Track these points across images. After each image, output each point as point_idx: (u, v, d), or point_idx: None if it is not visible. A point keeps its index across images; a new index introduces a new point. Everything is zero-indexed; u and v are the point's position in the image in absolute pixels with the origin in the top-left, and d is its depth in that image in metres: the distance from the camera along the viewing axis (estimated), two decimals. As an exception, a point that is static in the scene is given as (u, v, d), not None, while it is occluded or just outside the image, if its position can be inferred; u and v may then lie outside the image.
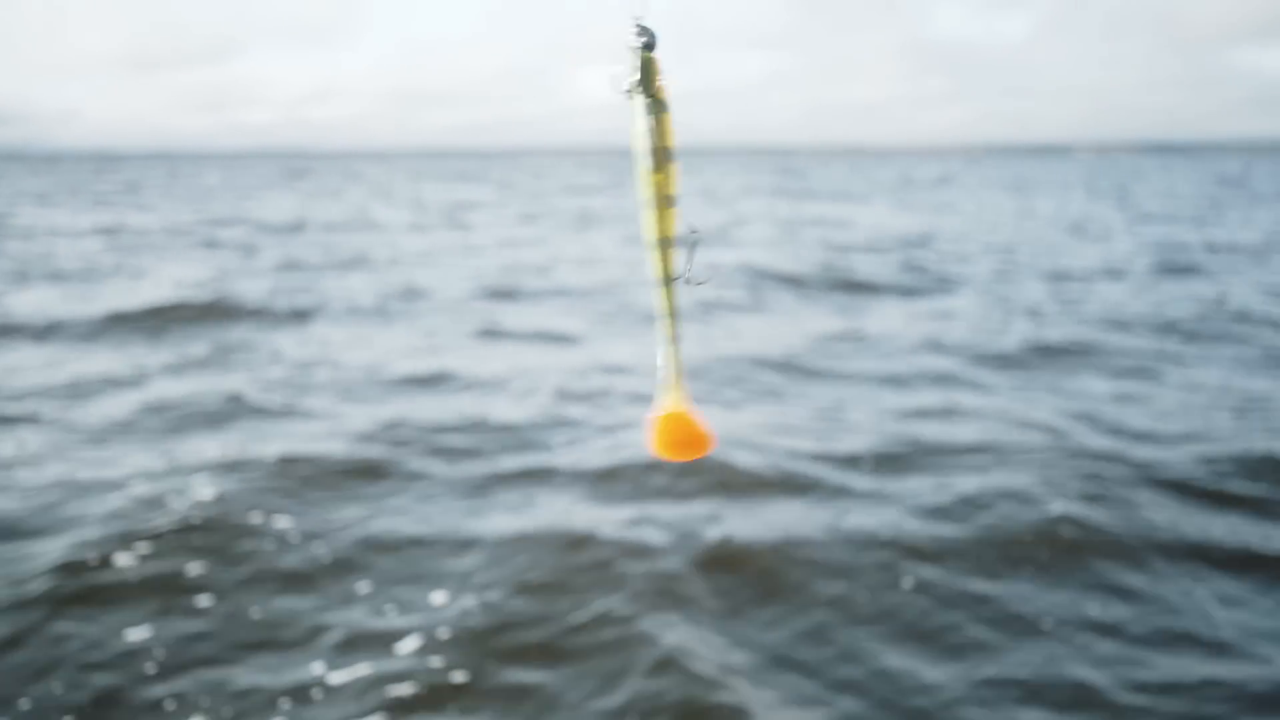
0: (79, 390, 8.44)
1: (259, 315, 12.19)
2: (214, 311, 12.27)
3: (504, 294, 14.30)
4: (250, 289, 14.12)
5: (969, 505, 5.57)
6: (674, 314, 0.82)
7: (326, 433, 7.06)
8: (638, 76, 0.75)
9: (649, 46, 0.76)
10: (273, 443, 6.74)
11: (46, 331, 11.20)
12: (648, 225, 0.79)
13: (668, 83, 0.76)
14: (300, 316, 12.20)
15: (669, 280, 0.81)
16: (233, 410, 7.69)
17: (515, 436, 7.01)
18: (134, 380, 8.83)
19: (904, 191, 47.09)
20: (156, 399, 8.02)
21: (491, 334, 11.31)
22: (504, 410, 7.70)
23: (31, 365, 9.52)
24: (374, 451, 6.60)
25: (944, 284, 15.06)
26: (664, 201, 0.78)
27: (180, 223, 27.96)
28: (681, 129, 0.79)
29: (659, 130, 0.76)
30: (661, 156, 0.76)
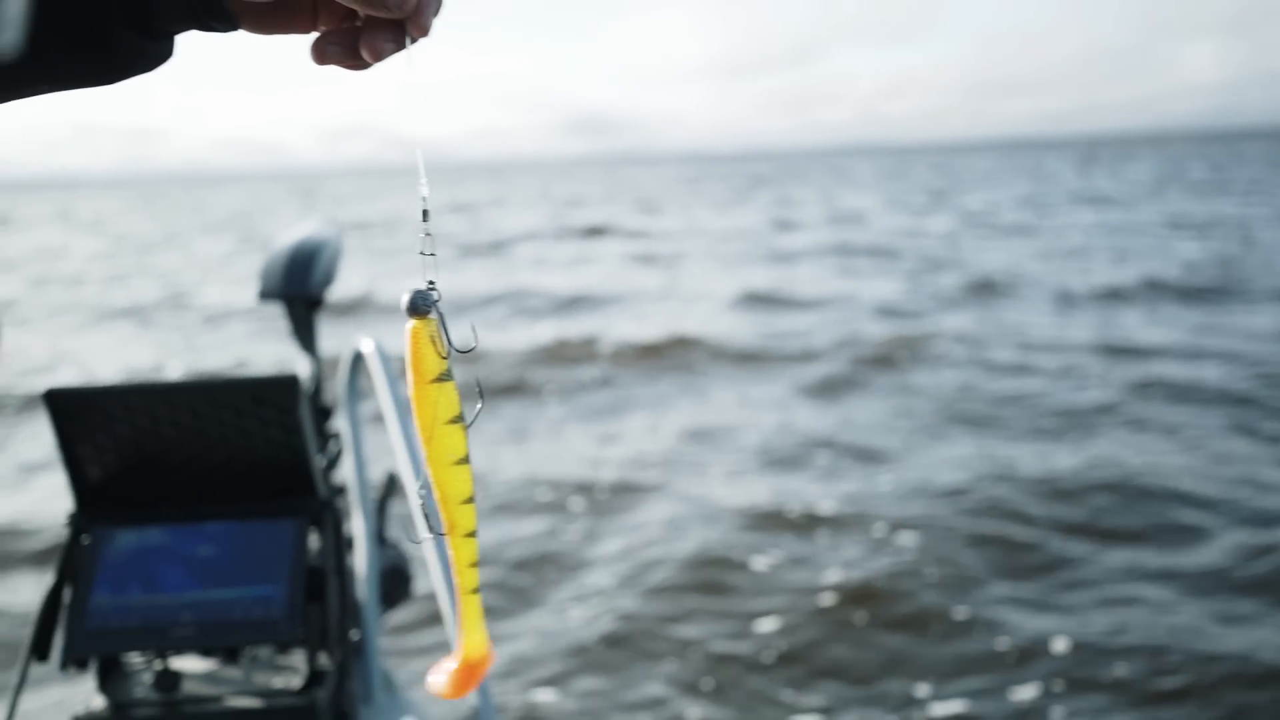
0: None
1: None
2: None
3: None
4: None
5: None
6: (476, 563, 0.76)
7: None
8: (424, 342, 0.68)
9: (435, 308, 0.68)
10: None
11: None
12: (456, 485, 0.72)
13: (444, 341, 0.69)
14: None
15: (474, 534, 0.75)
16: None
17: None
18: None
19: None
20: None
21: None
22: None
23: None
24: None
25: None
26: (464, 462, 0.71)
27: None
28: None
29: (452, 394, 0.70)
30: (458, 420, 0.70)
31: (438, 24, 0.66)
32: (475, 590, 0.76)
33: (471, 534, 0.75)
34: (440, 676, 0.77)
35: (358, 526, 2.32)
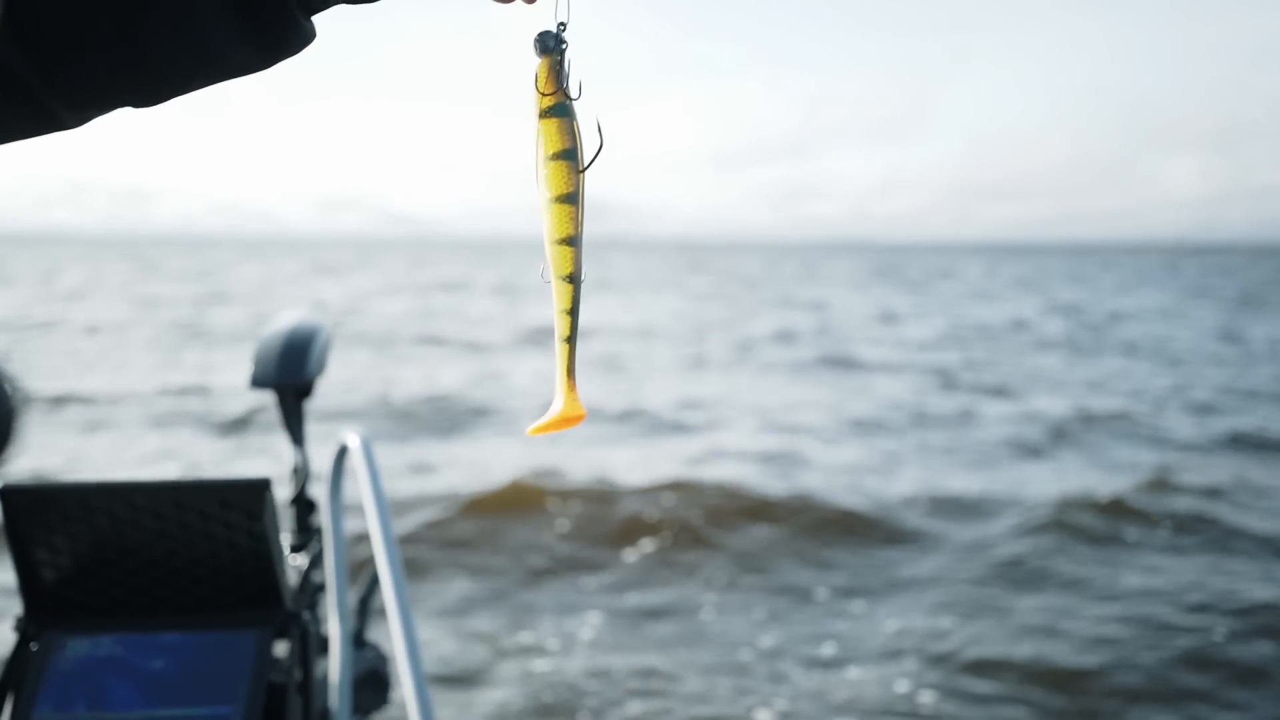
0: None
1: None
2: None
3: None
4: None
5: None
6: (575, 312, 0.78)
7: None
8: (545, 76, 0.74)
9: (561, 50, 0.74)
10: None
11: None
12: (553, 222, 0.76)
13: (574, 86, 0.75)
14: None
15: (571, 279, 0.77)
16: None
17: None
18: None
19: None
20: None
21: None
22: None
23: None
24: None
25: None
26: (566, 200, 0.75)
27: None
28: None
29: (565, 130, 0.75)
30: (566, 156, 0.75)
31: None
32: (567, 339, 0.78)
33: (568, 278, 0.77)
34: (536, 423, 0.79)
35: (333, 628, 2.24)
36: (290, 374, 2.51)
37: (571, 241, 0.76)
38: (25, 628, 1.79)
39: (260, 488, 1.82)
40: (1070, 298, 40.51)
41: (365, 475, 1.93)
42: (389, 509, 1.90)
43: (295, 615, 1.86)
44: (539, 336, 21.60)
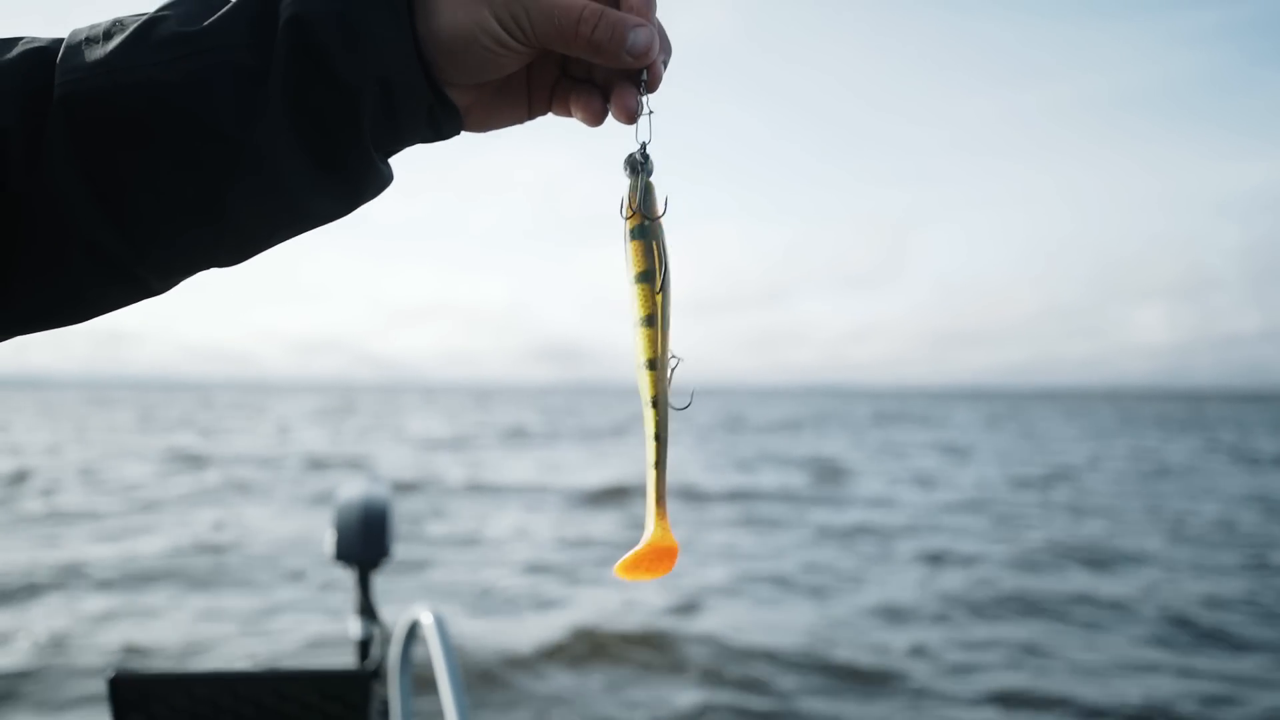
0: None
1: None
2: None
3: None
4: None
5: None
6: (663, 437, 0.77)
7: None
8: (638, 198, 0.77)
9: (648, 171, 0.77)
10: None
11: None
12: (638, 346, 0.77)
13: (664, 207, 0.77)
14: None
15: (659, 403, 0.76)
16: None
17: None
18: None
19: None
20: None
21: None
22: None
23: None
24: None
25: None
26: (657, 322, 0.76)
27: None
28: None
29: (656, 251, 0.76)
30: (657, 277, 0.75)
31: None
32: (655, 464, 0.76)
33: (653, 401, 0.76)
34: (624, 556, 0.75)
35: None
36: (374, 550, 2.59)
37: (653, 365, 0.75)
38: None
39: (363, 680, 1.97)
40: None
41: (438, 649, 1.96)
42: (463, 686, 1.92)
43: None
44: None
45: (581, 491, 18.94)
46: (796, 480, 22.14)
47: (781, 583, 10.63)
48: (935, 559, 12.00)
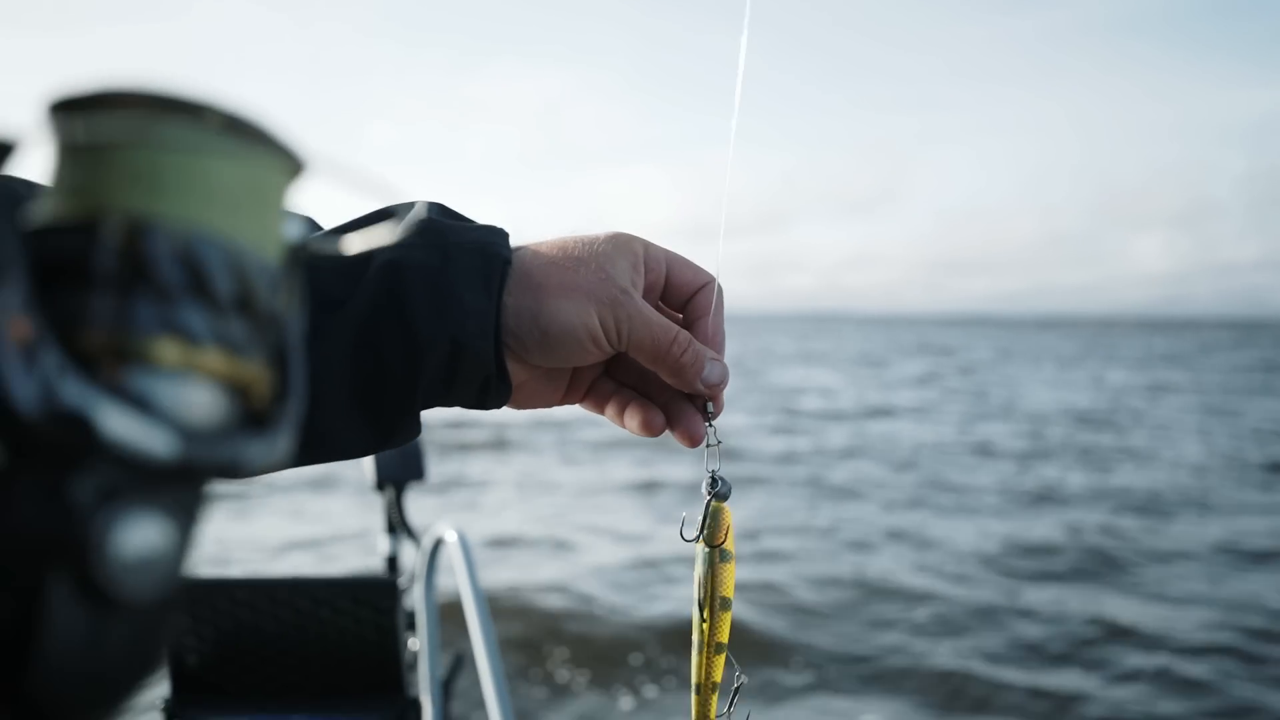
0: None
1: None
2: None
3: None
4: None
5: None
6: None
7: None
8: (706, 524, 0.77)
9: (721, 496, 0.78)
10: None
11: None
12: (695, 668, 0.80)
13: (733, 535, 0.78)
14: None
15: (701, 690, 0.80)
16: None
17: None
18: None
19: None
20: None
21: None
22: None
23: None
24: None
25: None
26: (714, 648, 0.79)
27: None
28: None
29: (719, 579, 0.78)
30: (718, 605, 0.78)
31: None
32: None
33: (696, 689, 0.79)
34: None
35: (426, 708, 2.40)
36: (412, 472, 2.68)
37: (698, 689, 0.79)
38: (169, 707, 1.95)
39: (390, 587, 2.00)
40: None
41: (463, 567, 2.02)
42: (487, 604, 1.99)
43: (414, 701, 2.03)
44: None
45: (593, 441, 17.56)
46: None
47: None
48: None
